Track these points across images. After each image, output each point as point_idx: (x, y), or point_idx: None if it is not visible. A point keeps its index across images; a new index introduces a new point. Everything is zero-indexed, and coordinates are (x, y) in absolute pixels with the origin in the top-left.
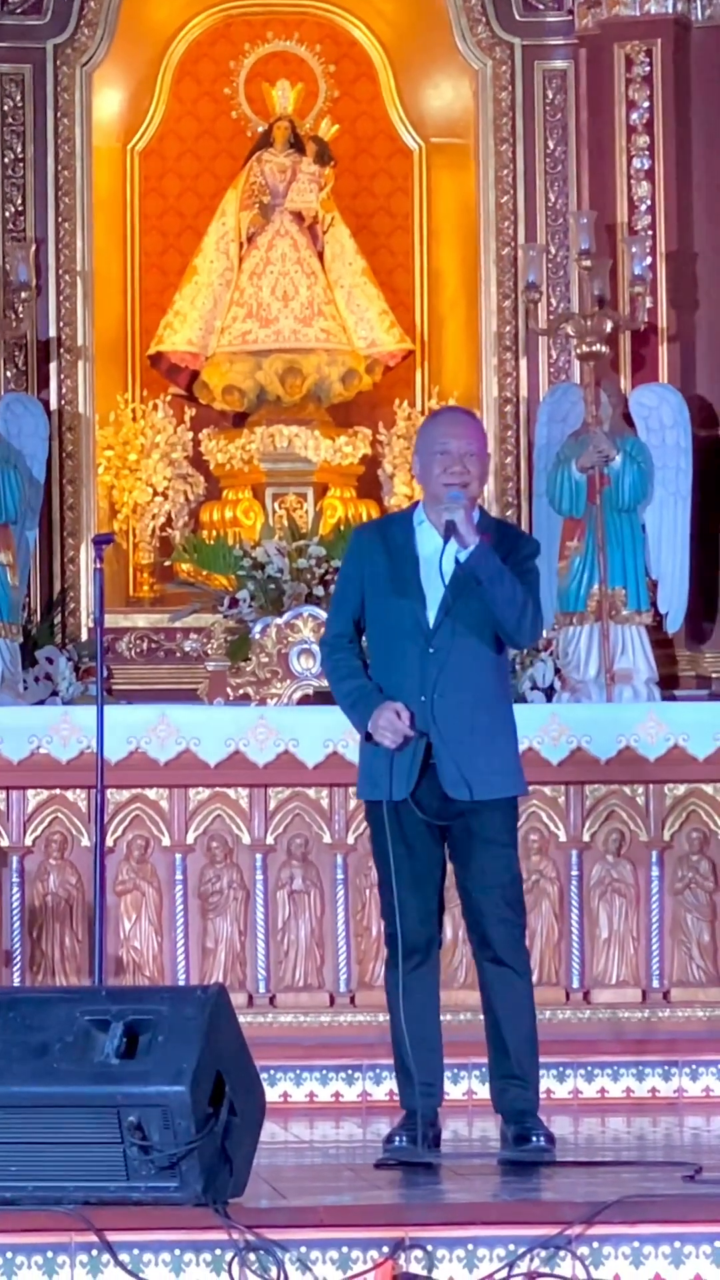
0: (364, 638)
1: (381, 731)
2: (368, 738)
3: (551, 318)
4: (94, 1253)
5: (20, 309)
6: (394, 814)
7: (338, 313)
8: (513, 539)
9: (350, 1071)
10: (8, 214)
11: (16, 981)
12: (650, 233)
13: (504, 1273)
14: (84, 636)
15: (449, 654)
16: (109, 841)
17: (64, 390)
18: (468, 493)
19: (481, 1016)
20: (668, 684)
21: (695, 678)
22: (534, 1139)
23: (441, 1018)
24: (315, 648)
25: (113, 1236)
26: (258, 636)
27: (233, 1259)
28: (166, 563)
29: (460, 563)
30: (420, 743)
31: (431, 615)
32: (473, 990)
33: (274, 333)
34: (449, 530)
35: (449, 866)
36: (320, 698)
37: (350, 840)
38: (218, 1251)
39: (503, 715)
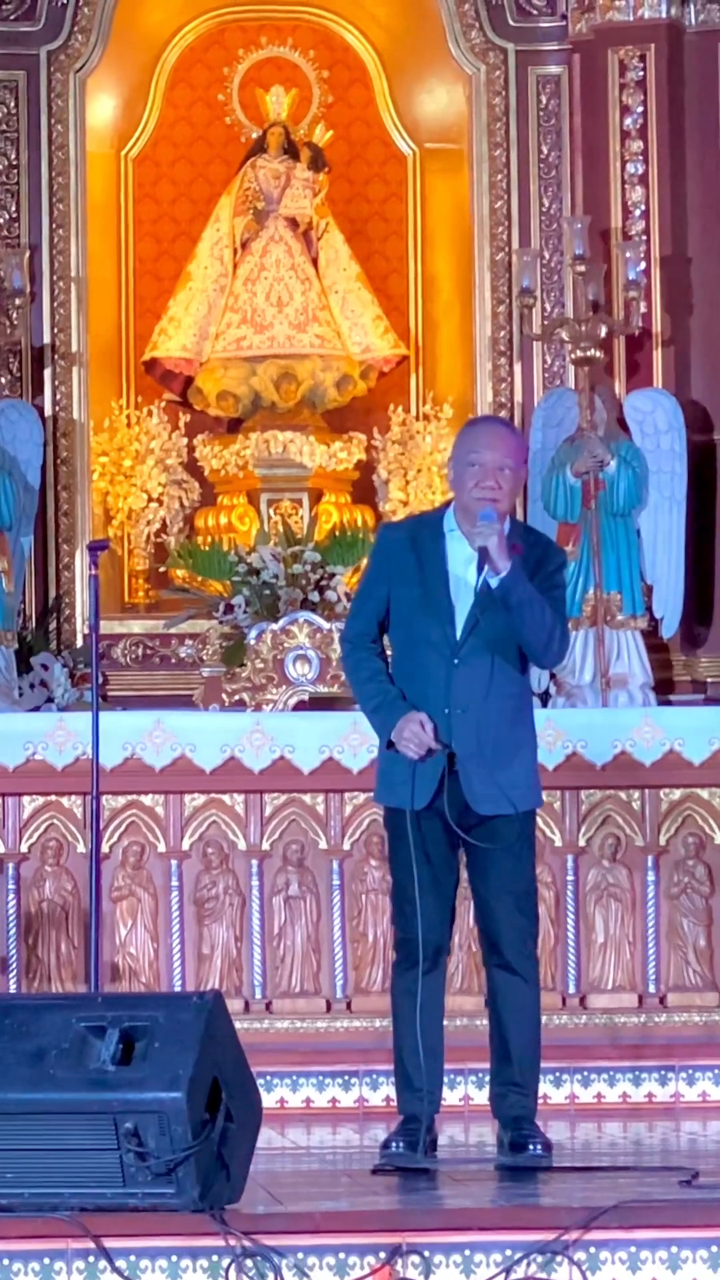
0: (385, 637)
1: (405, 743)
2: (389, 744)
3: (546, 323)
4: (91, 1259)
5: (14, 315)
6: (414, 822)
7: (332, 318)
8: (542, 549)
9: (347, 1077)
10: (2, 220)
11: (12, 988)
12: (644, 237)
13: (501, 1278)
14: (79, 643)
15: (474, 669)
16: (105, 848)
17: (58, 396)
18: (498, 509)
19: (477, 1021)
20: (663, 689)
21: (690, 682)
22: (531, 1146)
23: (444, 1022)
24: (311, 653)
25: (109, 1243)
26: (253, 642)
27: (230, 1265)
28: (161, 569)
29: (492, 587)
30: (442, 755)
31: (459, 629)
32: (469, 995)
33: (268, 338)
34: (482, 556)
35: (462, 875)
36: (316, 703)
37: (346, 846)
38: (215, 1258)
39: (525, 730)
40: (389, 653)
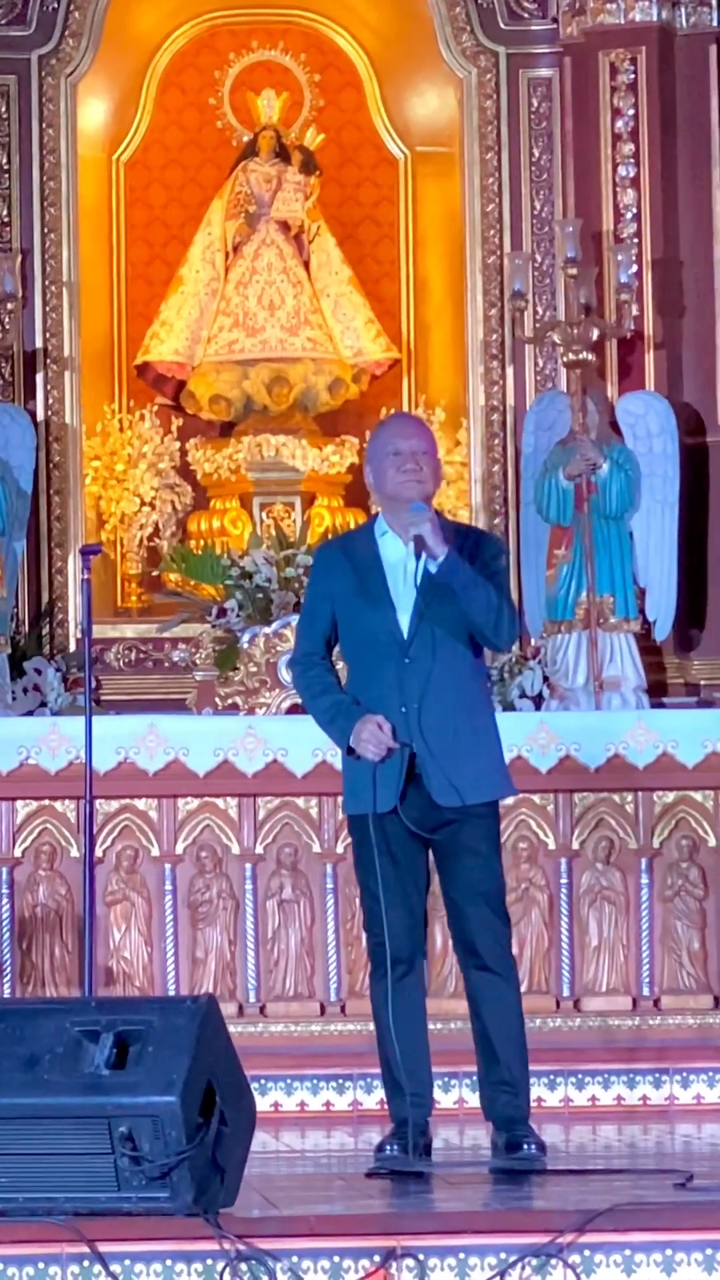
0: (334, 654)
1: (364, 744)
2: (349, 752)
3: (538, 326)
4: (85, 1263)
5: (6, 320)
6: (379, 826)
7: (324, 322)
8: (475, 541)
9: (341, 1081)
10: None
11: (6, 993)
12: (636, 240)
13: None
14: (72, 647)
15: (426, 662)
16: (98, 852)
17: (51, 401)
18: (422, 491)
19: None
20: (656, 691)
21: (684, 685)
22: (525, 1146)
23: (432, 1027)
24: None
25: (104, 1247)
26: (246, 646)
27: (224, 1269)
28: (154, 573)
29: (432, 574)
30: (404, 753)
31: (405, 625)
32: (461, 999)
33: (260, 342)
34: (418, 544)
35: (433, 877)
36: None
37: (339, 849)
38: (209, 1261)
39: (484, 718)
40: (339, 667)
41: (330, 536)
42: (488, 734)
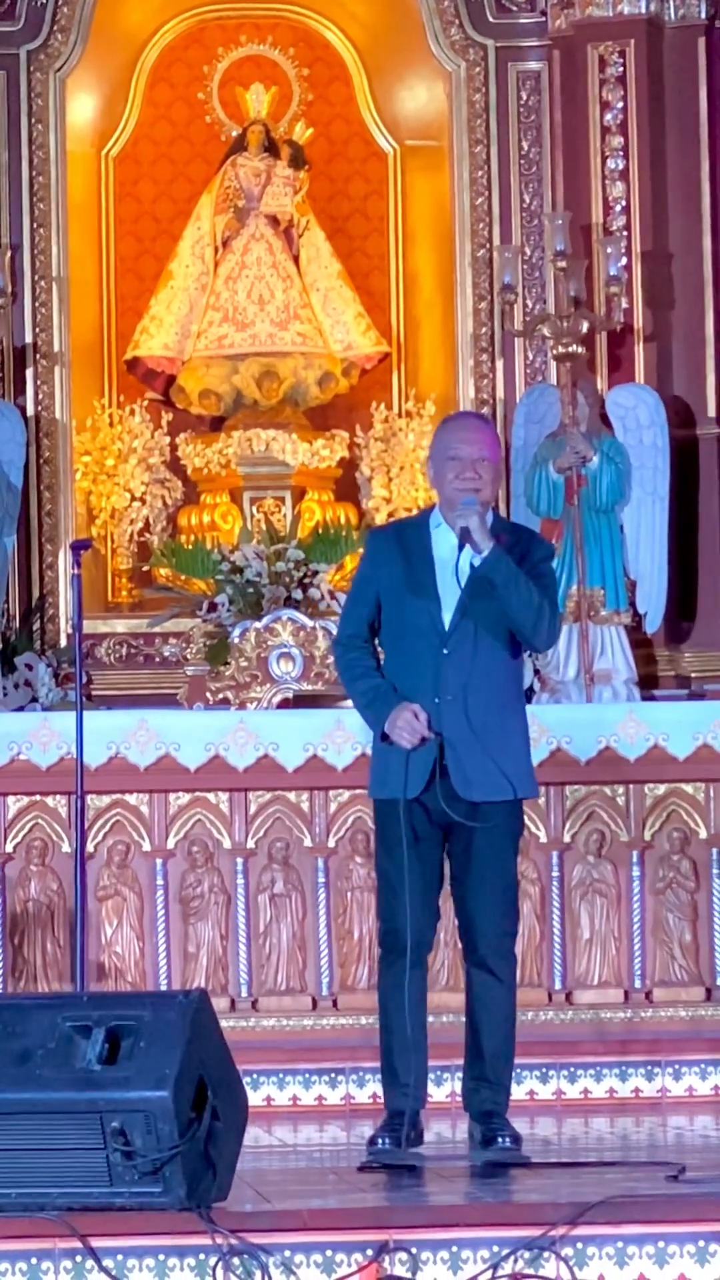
0: (377, 640)
1: (399, 731)
2: (383, 738)
3: (527, 319)
4: (78, 1259)
5: None
6: (407, 813)
7: (314, 316)
8: (526, 542)
9: (333, 1075)
10: None
11: None
12: (625, 233)
13: (488, 1274)
14: (63, 642)
15: (464, 656)
16: (89, 847)
17: (41, 396)
18: (480, 498)
19: (464, 1019)
20: (647, 684)
21: (674, 677)
22: (500, 1140)
23: (428, 1018)
24: (294, 651)
25: (96, 1242)
26: (237, 641)
27: (217, 1263)
28: (145, 568)
29: (475, 568)
30: (435, 743)
31: (447, 617)
32: (456, 993)
33: (250, 336)
34: (463, 537)
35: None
36: (300, 701)
37: (331, 844)
38: (202, 1256)
39: (516, 717)
40: (381, 654)
41: (325, 531)
42: (518, 733)
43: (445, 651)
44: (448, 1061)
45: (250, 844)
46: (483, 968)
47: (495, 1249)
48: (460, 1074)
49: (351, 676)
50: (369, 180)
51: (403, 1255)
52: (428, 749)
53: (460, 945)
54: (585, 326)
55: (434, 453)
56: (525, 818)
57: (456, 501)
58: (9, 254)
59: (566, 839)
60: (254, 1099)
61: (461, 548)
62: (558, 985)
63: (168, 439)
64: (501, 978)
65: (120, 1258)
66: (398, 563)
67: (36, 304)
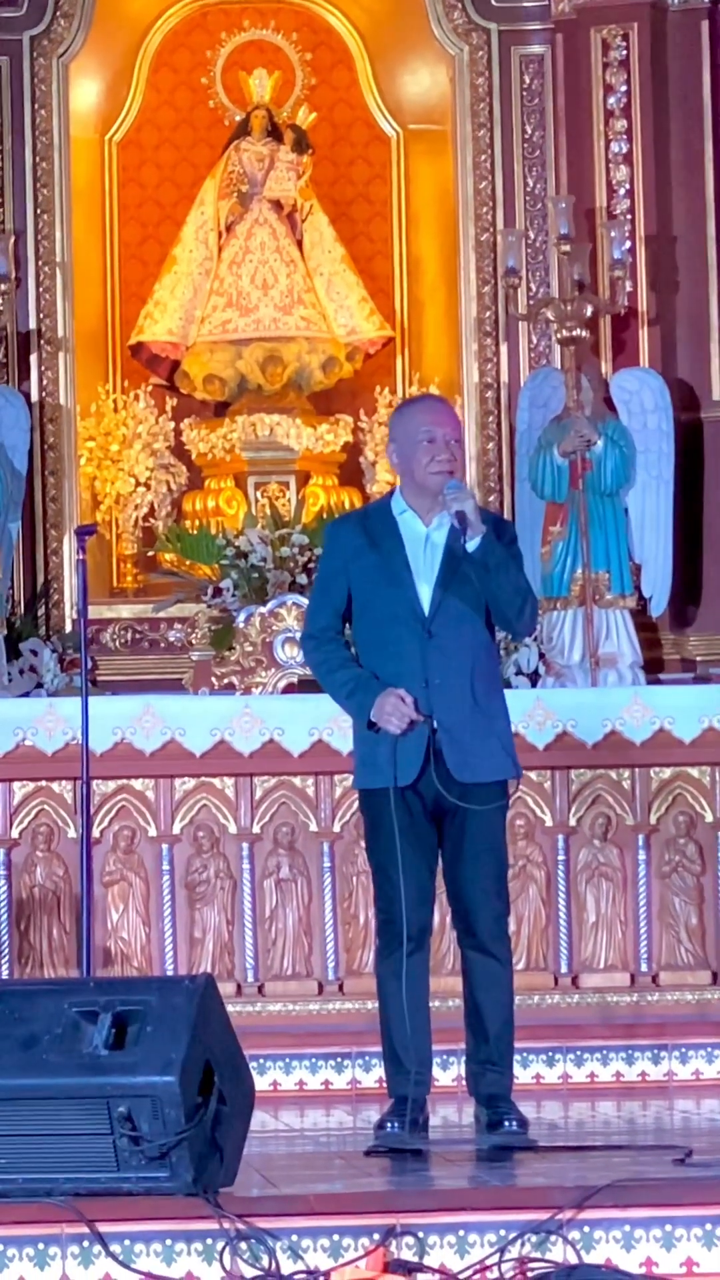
0: (347, 630)
1: (387, 717)
2: (370, 725)
3: (531, 303)
4: (85, 1244)
5: (0, 301)
6: (399, 799)
7: (317, 300)
8: (494, 523)
9: (339, 1059)
10: None
11: (4, 974)
12: (629, 216)
13: (495, 1258)
14: (68, 628)
15: (447, 638)
16: (95, 833)
17: (45, 382)
18: (454, 479)
19: None
20: (652, 667)
21: (680, 661)
22: (506, 1123)
23: (431, 1004)
24: (299, 636)
25: (104, 1227)
26: (242, 625)
27: (224, 1248)
28: (150, 553)
29: (469, 552)
30: (424, 728)
31: (426, 601)
32: (460, 977)
33: (254, 321)
34: (461, 520)
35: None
36: (305, 686)
37: (337, 828)
38: (209, 1241)
39: (500, 697)
40: (352, 646)
41: (329, 515)
42: (501, 713)
43: (429, 635)
44: (453, 1046)
45: (256, 829)
46: (482, 950)
47: (502, 1233)
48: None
49: (328, 669)
50: (372, 164)
51: (409, 1239)
52: (418, 734)
53: (453, 930)
54: (589, 310)
55: (400, 436)
56: (531, 801)
57: (434, 485)
58: (13, 239)
59: (572, 823)
60: (260, 1084)
61: (464, 532)
62: (564, 969)
63: (172, 424)
64: (501, 958)
65: (127, 1243)
66: (366, 552)
67: (40, 289)
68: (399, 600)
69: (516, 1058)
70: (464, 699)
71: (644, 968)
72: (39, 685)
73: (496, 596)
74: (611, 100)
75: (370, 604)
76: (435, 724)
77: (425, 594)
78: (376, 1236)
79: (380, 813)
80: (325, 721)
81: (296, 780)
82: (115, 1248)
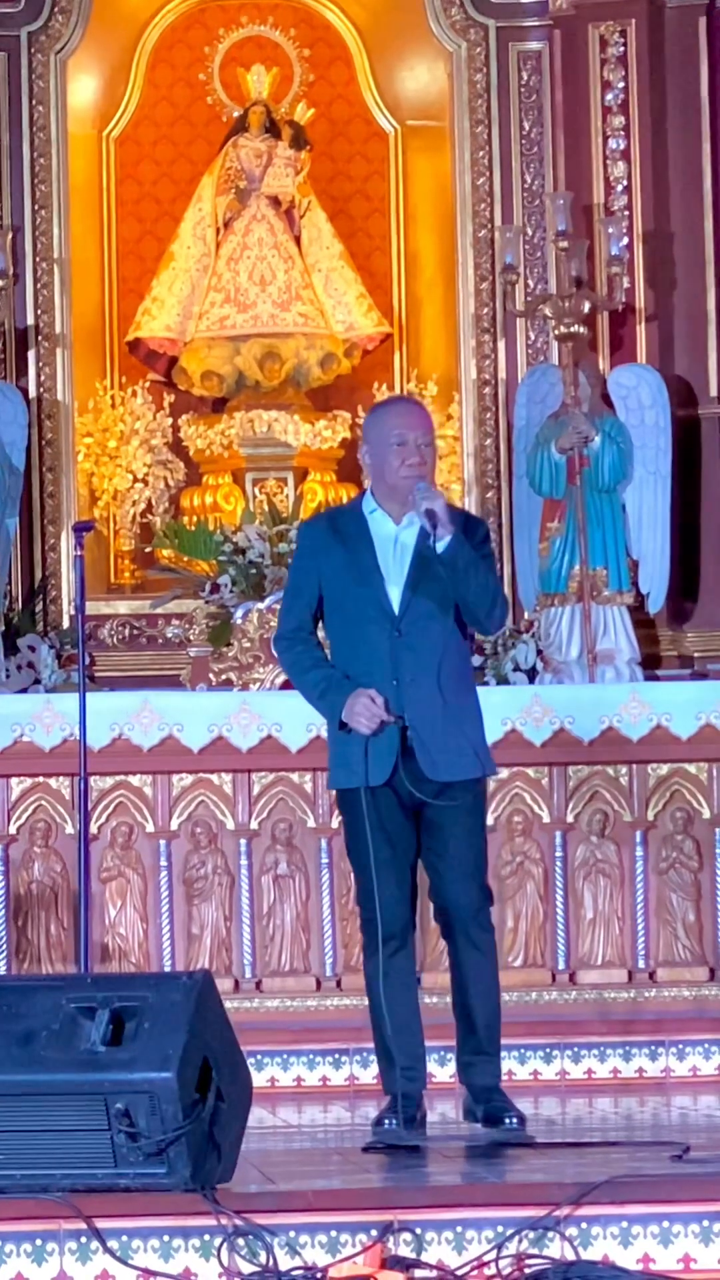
0: (319, 630)
1: (357, 718)
2: (341, 726)
3: (529, 299)
4: (83, 1240)
5: None
6: (371, 800)
7: (315, 297)
8: (462, 523)
9: (337, 1055)
10: None
11: (2, 970)
12: (627, 213)
13: (493, 1254)
14: (66, 624)
15: (417, 637)
16: (93, 829)
17: (42, 378)
18: (425, 481)
19: None
20: (650, 664)
21: (677, 657)
22: (507, 1120)
23: (426, 1000)
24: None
25: (101, 1223)
26: (239, 621)
27: (222, 1244)
28: (147, 549)
29: (439, 553)
30: (395, 727)
31: (395, 601)
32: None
33: (252, 317)
34: (431, 519)
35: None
36: None
37: (334, 824)
38: (206, 1237)
39: (472, 695)
40: (325, 645)
41: (323, 510)
42: (473, 711)
43: (398, 634)
44: (449, 1042)
45: (254, 825)
46: (465, 943)
47: (500, 1229)
48: None
49: (300, 669)
50: (370, 161)
51: (407, 1235)
52: (389, 734)
53: (438, 925)
54: (587, 306)
55: (373, 439)
56: (528, 797)
57: (405, 487)
58: (10, 236)
59: (570, 819)
60: (258, 1080)
61: (435, 531)
62: (561, 966)
63: (170, 420)
64: (483, 949)
65: (125, 1239)
66: (336, 551)
67: (38, 286)
68: (368, 599)
69: (514, 1054)
70: (433, 697)
71: (641, 964)
72: (36, 681)
73: (465, 596)
74: (609, 97)
75: (341, 603)
76: (406, 723)
77: (394, 593)
78: (374, 1233)
79: (355, 813)
80: (323, 718)
81: (294, 776)
82: (113, 1244)
